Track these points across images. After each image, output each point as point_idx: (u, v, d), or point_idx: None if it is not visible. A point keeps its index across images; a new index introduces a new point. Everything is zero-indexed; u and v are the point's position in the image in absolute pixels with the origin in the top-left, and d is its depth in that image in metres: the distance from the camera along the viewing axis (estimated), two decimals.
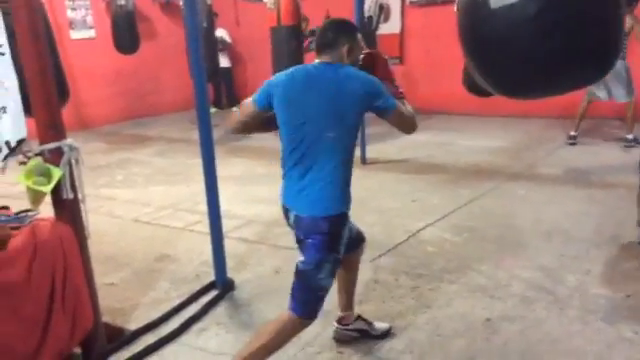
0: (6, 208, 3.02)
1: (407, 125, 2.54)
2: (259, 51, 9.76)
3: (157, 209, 5.36)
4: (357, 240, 2.84)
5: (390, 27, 9.57)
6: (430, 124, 8.63)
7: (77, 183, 2.79)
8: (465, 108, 8.75)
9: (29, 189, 2.66)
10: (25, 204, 2.78)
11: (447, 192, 5.34)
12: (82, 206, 2.84)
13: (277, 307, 3.31)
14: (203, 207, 5.18)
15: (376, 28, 9.58)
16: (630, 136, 6.69)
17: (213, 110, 11.02)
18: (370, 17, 9.64)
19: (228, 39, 10.60)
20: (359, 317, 2.99)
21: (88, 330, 2.84)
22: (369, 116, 5.98)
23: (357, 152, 6.57)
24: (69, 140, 2.74)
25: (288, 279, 3.68)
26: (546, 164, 6.19)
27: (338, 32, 2.48)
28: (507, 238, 4.19)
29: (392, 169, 6.28)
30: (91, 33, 9.65)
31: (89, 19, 9.66)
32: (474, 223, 4.50)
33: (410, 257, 3.94)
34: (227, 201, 5.38)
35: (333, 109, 2.35)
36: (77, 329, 2.78)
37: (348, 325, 2.96)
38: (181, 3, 7.39)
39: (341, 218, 2.43)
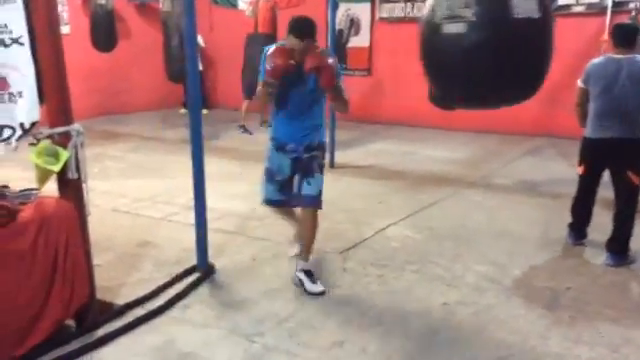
0: (6, 187, 3.25)
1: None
2: (230, 55, 10.07)
3: (134, 200, 5.59)
4: (300, 198, 3.63)
5: (360, 40, 10.01)
6: (394, 134, 9.11)
7: (81, 165, 3.07)
8: (428, 121, 9.25)
9: (38, 168, 2.92)
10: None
11: (409, 196, 5.74)
12: (84, 186, 3.12)
13: (255, 289, 3.67)
14: (180, 200, 5.55)
15: (347, 41, 10.02)
16: None
17: (183, 111, 11.27)
18: (341, 30, 10.06)
19: (202, 43, 10.84)
20: (307, 271, 3.70)
21: (84, 301, 3.10)
22: (338, 124, 6.41)
23: (326, 157, 6.99)
24: (76, 125, 3.02)
25: (264, 266, 4.05)
26: (500, 175, 6.67)
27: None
28: (462, 237, 4.59)
29: (359, 174, 6.66)
30: (66, 29, 9.75)
31: (65, 15, 9.77)
32: (433, 223, 4.91)
33: (376, 251, 4.31)
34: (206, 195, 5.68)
35: None
36: (74, 299, 3.04)
37: (297, 269, 3.74)
38: (160, 5, 7.61)
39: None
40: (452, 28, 3.03)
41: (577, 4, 8.12)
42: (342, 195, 5.76)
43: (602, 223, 4.32)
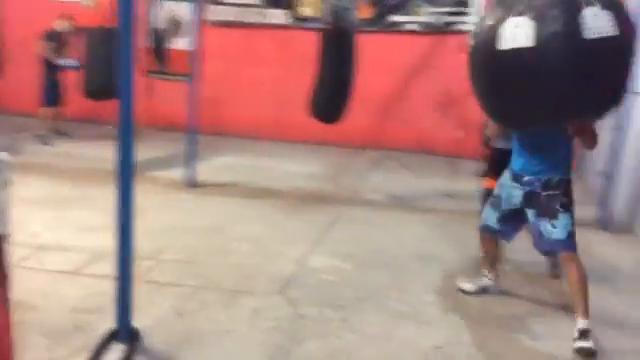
0: None
1: None
2: (19, 52, 8.43)
3: None
4: (548, 243, 3.36)
5: (183, 43, 9.10)
6: (233, 146, 8.44)
7: (3, 213, 2.01)
8: (260, 132, 8.88)
9: None
10: None
11: (298, 218, 5.25)
12: (6, 241, 2.05)
13: (202, 356, 2.86)
14: (23, 237, 4.27)
15: (168, 42, 9.04)
16: None
17: None
18: (163, 30, 9.07)
19: None
20: (584, 330, 3.16)
21: None
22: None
23: (180, 174, 6.12)
24: (3, 154, 1.95)
25: (196, 321, 3.24)
26: (367, 190, 6.55)
27: None
28: (390, 264, 4.24)
29: (226, 193, 5.93)
30: None
31: None
32: (349, 250, 4.47)
33: (317, 287, 3.76)
34: (52, 229, 4.44)
35: None
36: None
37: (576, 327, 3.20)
38: None
39: None
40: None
41: (410, 22, 8.43)
42: (229, 220, 5.05)
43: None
